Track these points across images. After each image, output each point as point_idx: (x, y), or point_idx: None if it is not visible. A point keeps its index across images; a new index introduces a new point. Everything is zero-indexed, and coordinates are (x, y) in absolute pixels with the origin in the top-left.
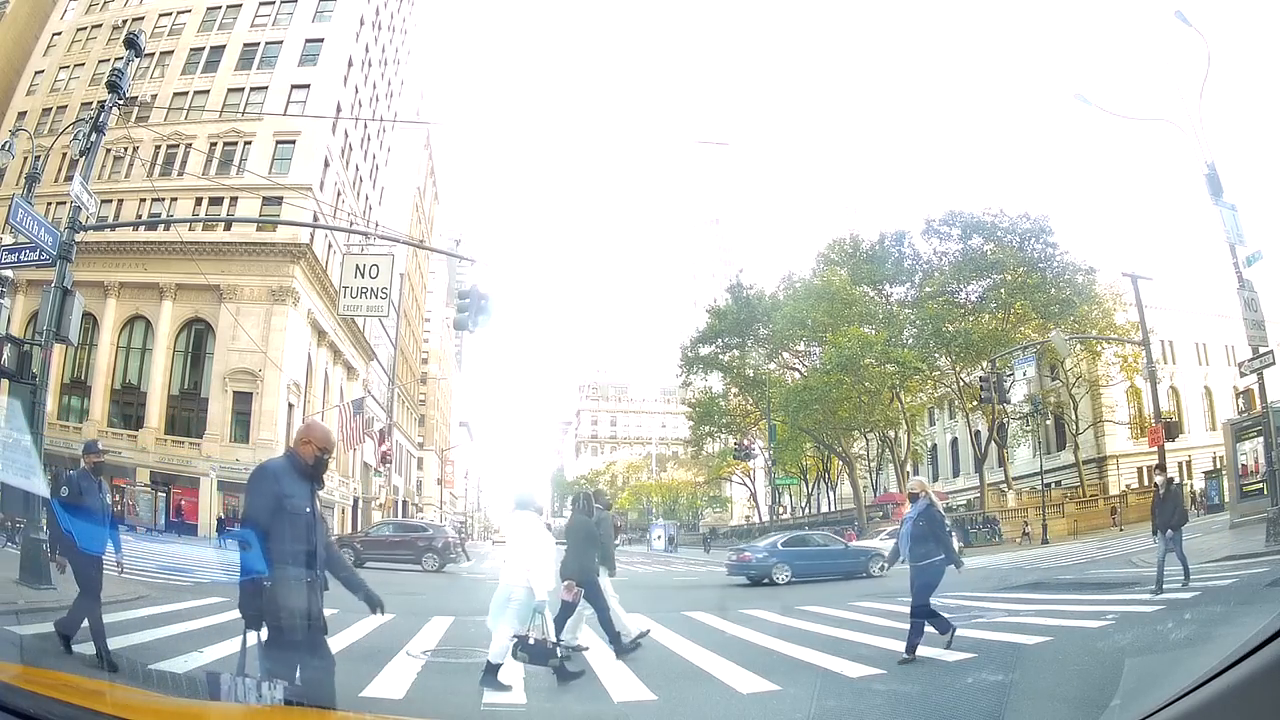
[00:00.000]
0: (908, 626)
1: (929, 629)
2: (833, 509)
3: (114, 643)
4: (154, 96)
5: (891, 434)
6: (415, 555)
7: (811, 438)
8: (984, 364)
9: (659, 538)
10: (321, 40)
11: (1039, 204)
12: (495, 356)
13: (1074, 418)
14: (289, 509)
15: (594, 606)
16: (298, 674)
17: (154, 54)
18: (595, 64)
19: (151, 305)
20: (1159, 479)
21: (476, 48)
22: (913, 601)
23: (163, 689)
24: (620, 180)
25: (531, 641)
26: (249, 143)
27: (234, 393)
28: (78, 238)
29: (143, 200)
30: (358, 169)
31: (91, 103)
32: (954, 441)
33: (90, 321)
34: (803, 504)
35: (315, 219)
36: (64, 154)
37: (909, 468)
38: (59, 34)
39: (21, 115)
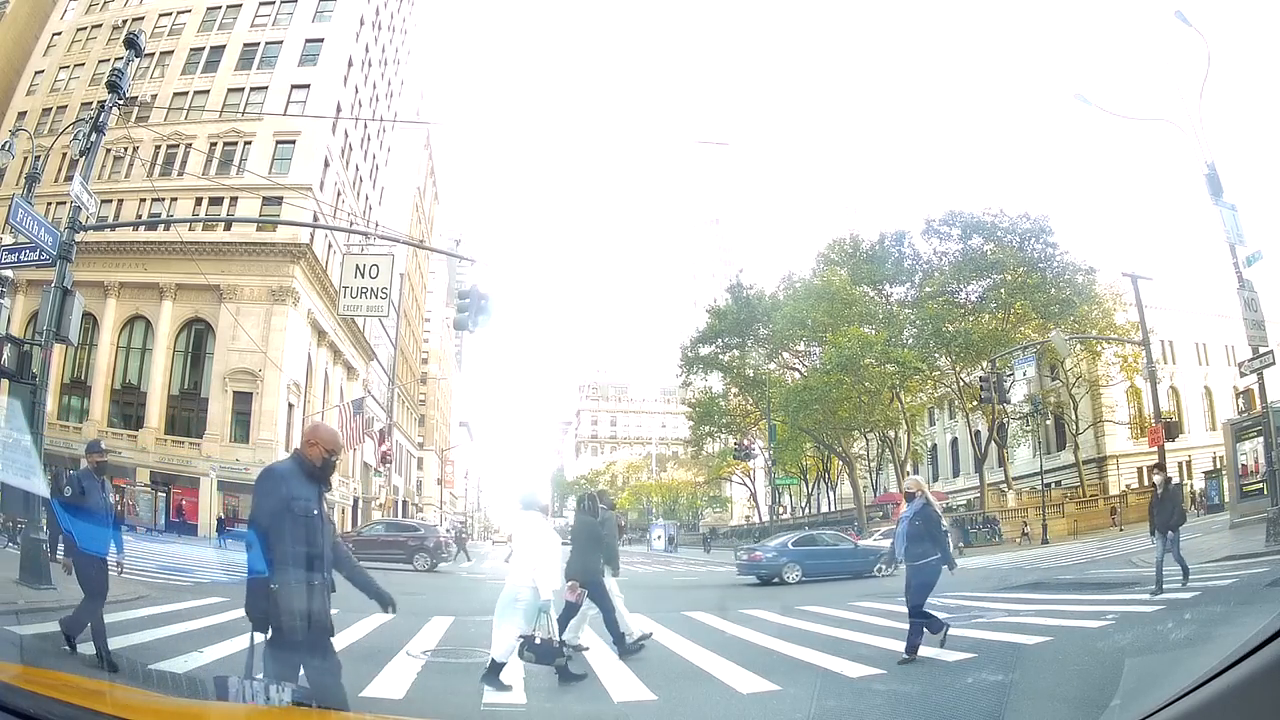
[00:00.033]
0: (907, 626)
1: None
2: (833, 509)
3: (114, 643)
4: (154, 96)
5: (891, 434)
6: (407, 555)
7: (811, 438)
8: (984, 364)
9: (659, 538)
10: (321, 40)
11: (1039, 204)
12: (495, 356)
13: (1074, 418)
14: (296, 511)
15: (599, 607)
16: (305, 676)
17: (154, 54)
18: (595, 64)
19: (151, 305)
20: (1157, 478)
21: (476, 48)
22: (910, 601)
23: (163, 689)
24: (620, 180)
25: (538, 641)
26: (249, 143)
27: (234, 393)
28: (78, 238)
29: (143, 200)
30: (358, 169)
31: (91, 103)
32: (954, 441)
33: (90, 321)
34: (803, 504)
35: (315, 219)
36: (64, 154)
37: (909, 468)
38: (59, 34)
39: (21, 115)
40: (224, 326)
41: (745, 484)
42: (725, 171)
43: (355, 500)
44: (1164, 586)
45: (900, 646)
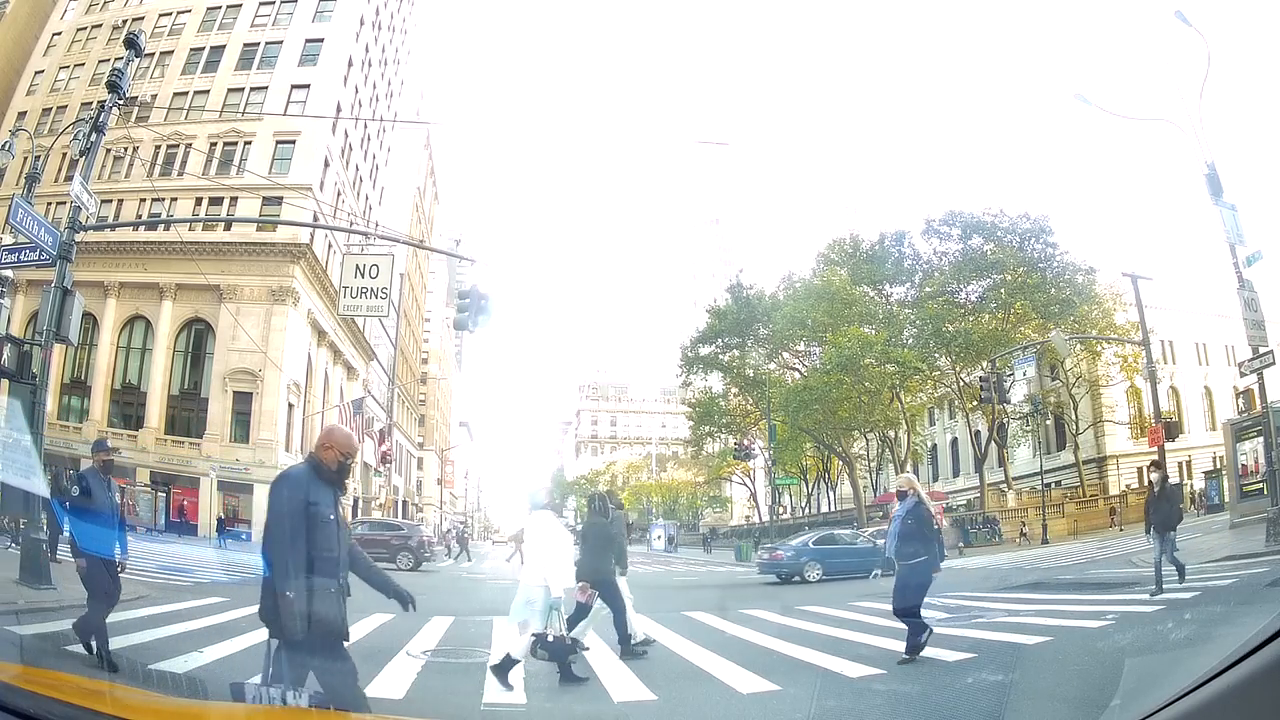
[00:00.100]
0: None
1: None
2: (833, 509)
3: (114, 643)
4: (154, 96)
5: (891, 434)
6: (390, 554)
7: (811, 438)
8: (984, 364)
9: (659, 538)
10: (321, 40)
11: (1039, 204)
12: (495, 356)
13: (1074, 418)
14: (313, 516)
15: (610, 607)
16: (319, 680)
17: (154, 54)
18: (595, 64)
19: (151, 305)
20: (1154, 476)
21: (476, 48)
22: (906, 601)
23: (163, 689)
24: (620, 180)
25: (550, 639)
26: (249, 143)
27: (234, 393)
28: (78, 238)
29: (143, 200)
30: (358, 169)
31: (91, 103)
32: (954, 441)
33: (90, 321)
34: (803, 504)
35: (315, 219)
36: (64, 154)
37: (909, 467)
38: (59, 34)
39: (21, 115)
40: (224, 326)
41: (745, 484)
42: (725, 171)
43: (355, 500)
44: (1164, 586)
45: (900, 646)
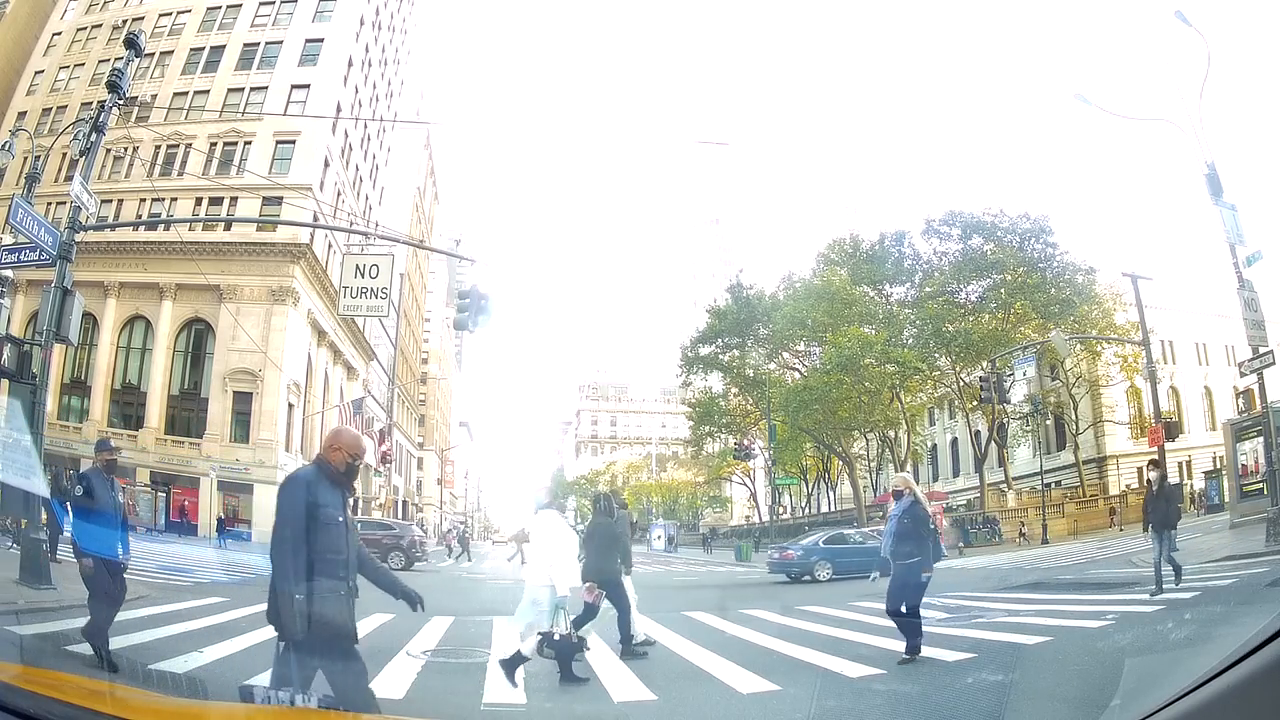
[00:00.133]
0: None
1: (926, 627)
2: (833, 509)
3: (114, 643)
4: (154, 96)
5: (891, 434)
6: (381, 554)
7: (811, 438)
8: (984, 364)
9: (659, 538)
10: (321, 40)
11: (1039, 204)
12: (495, 356)
13: (1074, 418)
14: (321, 518)
15: (616, 607)
16: (328, 681)
17: (154, 54)
18: (595, 64)
19: (151, 305)
20: (1152, 475)
21: (476, 48)
22: (904, 601)
23: (163, 689)
24: (620, 180)
25: (557, 638)
26: (249, 143)
27: (234, 393)
28: (78, 238)
29: (143, 200)
30: (358, 169)
31: (91, 103)
32: (954, 441)
33: (90, 321)
34: (802, 504)
35: (315, 219)
36: (64, 154)
37: (909, 467)
38: (59, 34)
39: (21, 115)
40: (224, 326)
41: (745, 484)
42: (725, 171)
43: (355, 500)
44: (1163, 586)
45: (900, 646)
